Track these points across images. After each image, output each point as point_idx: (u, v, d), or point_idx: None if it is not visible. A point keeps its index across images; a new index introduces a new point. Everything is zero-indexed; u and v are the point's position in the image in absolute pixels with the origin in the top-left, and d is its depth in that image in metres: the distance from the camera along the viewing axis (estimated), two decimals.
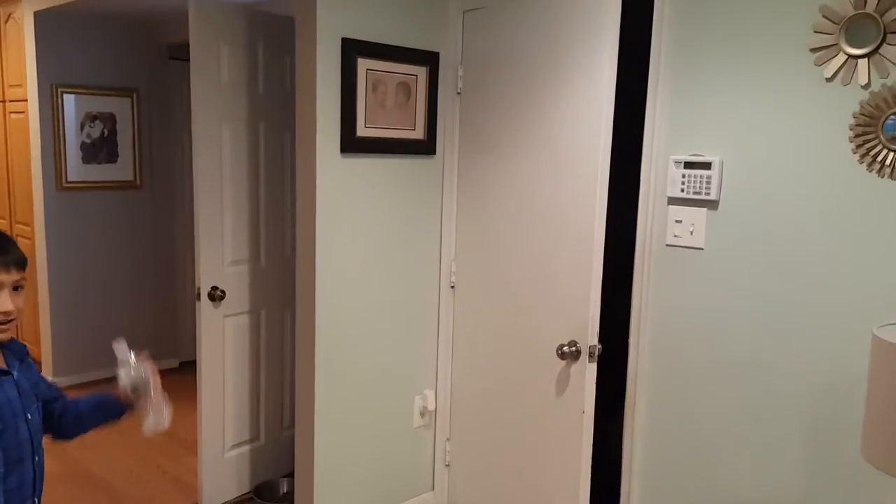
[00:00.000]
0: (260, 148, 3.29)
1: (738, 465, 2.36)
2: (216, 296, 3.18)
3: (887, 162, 2.00)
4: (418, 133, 3.00)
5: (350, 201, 2.86)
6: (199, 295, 3.15)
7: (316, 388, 2.88)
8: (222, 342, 3.26)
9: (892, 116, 1.98)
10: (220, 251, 3.19)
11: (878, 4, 1.99)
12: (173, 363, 5.28)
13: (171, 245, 5.17)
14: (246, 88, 3.19)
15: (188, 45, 3.03)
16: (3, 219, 5.23)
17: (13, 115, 4.91)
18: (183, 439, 4.03)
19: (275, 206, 3.39)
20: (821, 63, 2.11)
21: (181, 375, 5.12)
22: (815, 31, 2.11)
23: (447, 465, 3.32)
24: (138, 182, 4.95)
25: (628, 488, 2.65)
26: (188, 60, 3.05)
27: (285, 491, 3.44)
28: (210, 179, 3.11)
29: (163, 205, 5.10)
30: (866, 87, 2.03)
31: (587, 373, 2.56)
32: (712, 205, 2.34)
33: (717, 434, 2.40)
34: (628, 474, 2.64)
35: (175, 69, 4.92)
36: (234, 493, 3.41)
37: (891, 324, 1.72)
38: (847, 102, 2.07)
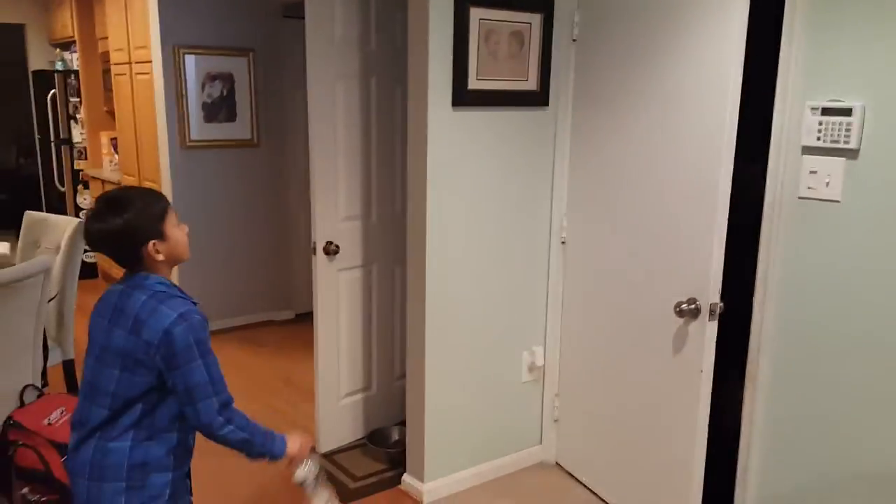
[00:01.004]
0: (371, 104, 3.30)
1: (868, 440, 2.20)
2: (331, 250, 3.25)
3: None
4: (531, 84, 2.93)
5: (460, 155, 2.83)
6: (315, 249, 3.23)
7: (426, 342, 2.91)
8: (336, 295, 3.34)
9: None
10: (335, 207, 3.25)
11: None
12: (289, 315, 5.49)
13: (286, 201, 5.34)
14: (358, 44, 3.19)
15: (302, 4, 3.05)
16: (132, 175, 5.55)
17: (139, 76, 5.16)
18: (300, 386, 4.21)
19: (386, 162, 3.41)
20: None
21: (297, 326, 5.34)
22: None
23: (556, 421, 3.30)
24: (255, 140, 5.11)
25: (746, 456, 2.54)
26: (302, 19, 3.08)
27: (396, 438, 3.54)
28: (325, 136, 3.16)
29: (278, 162, 5.26)
30: None
31: (707, 331, 2.46)
32: (852, 154, 2.16)
33: (847, 408, 2.24)
34: (747, 441, 2.53)
35: (289, 28, 5.00)
36: (348, 439, 3.53)
37: None
38: None
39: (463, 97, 2.75)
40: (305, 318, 5.19)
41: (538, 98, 2.96)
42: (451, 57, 2.69)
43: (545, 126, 3.03)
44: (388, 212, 3.47)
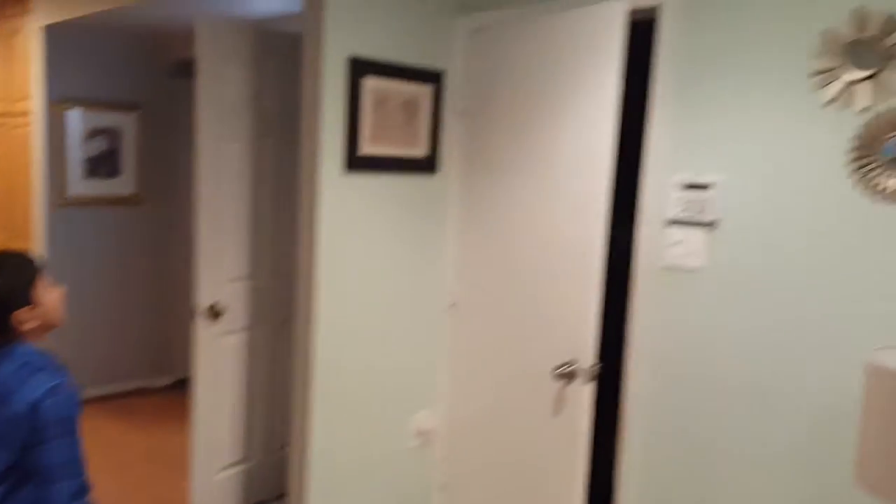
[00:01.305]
0: (263, 165, 3.31)
1: (735, 488, 2.34)
2: (214, 313, 3.17)
3: (885, 187, 2.02)
4: (422, 151, 3.02)
5: (352, 219, 2.87)
6: (197, 312, 3.14)
7: (312, 408, 2.86)
8: (218, 360, 3.24)
9: (891, 140, 2.00)
10: (220, 268, 3.19)
11: (880, 29, 2.02)
12: (168, 381, 5.25)
13: (170, 260, 5.17)
14: (251, 106, 3.21)
15: (194, 62, 3.06)
16: (2, 234, 5.23)
17: (17, 130, 4.93)
18: (174, 460, 3.99)
19: (276, 223, 3.40)
20: (820, 87, 2.14)
21: (175, 393, 5.10)
22: (816, 56, 2.14)
23: (444, 486, 3.29)
24: (139, 197, 4.96)
25: None
26: (194, 77, 3.08)
27: None
28: (212, 196, 3.12)
29: (163, 220, 5.11)
30: (865, 111, 2.06)
31: (584, 393, 2.55)
32: (710, 226, 2.36)
33: (713, 456, 2.38)
34: (624, 495, 2.62)
35: (180, 85, 4.95)
36: None
37: (887, 347, 1.72)
38: (845, 126, 2.09)
39: (355, 162, 2.81)
40: (185, 385, 4.97)
41: (429, 165, 3.06)
42: (343, 123, 2.75)
43: (436, 192, 3.12)
44: (277, 273, 3.44)
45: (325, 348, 2.85)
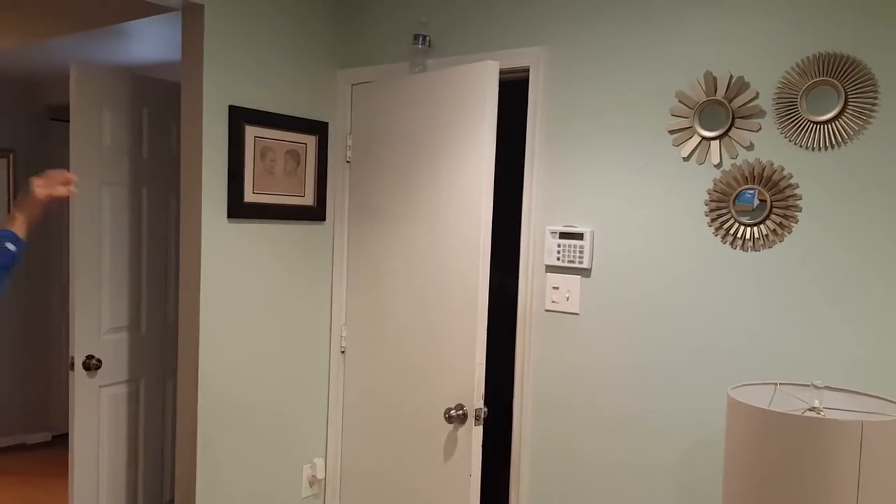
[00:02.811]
0: (143, 212, 3.21)
1: None
2: (91, 365, 3.03)
3: (739, 234, 2.19)
4: (308, 199, 3.03)
5: (237, 266, 2.83)
6: (72, 364, 3.00)
7: (198, 461, 2.77)
8: (97, 413, 3.09)
9: (743, 192, 2.18)
10: (97, 318, 3.07)
11: (726, 91, 2.20)
12: (46, 437, 4.94)
13: (45, 311, 4.90)
14: (129, 152, 3.13)
15: (69, 107, 2.96)
16: None
17: None
18: None
19: (158, 271, 3.30)
20: (678, 144, 2.30)
21: (53, 449, 4.81)
22: (673, 115, 2.31)
23: None
24: None
25: None
26: (69, 122, 2.97)
27: None
28: (87, 244, 3.00)
29: (38, 269, 4.85)
30: (718, 166, 2.23)
31: (473, 436, 2.60)
32: (585, 273, 2.47)
33: (596, 487, 2.47)
34: None
35: (55, 130, 4.76)
36: None
37: (745, 385, 1.86)
38: (702, 180, 2.26)
39: (239, 209, 2.78)
40: (64, 440, 4.70)
41: (315, 213, 3.06)
42: (226, 170, 2.73)
43: (323, 239, 3.13)
44: (159, 322, 3.33)
45: (210, 399, 2.78)
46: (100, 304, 3.07)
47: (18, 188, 4.69)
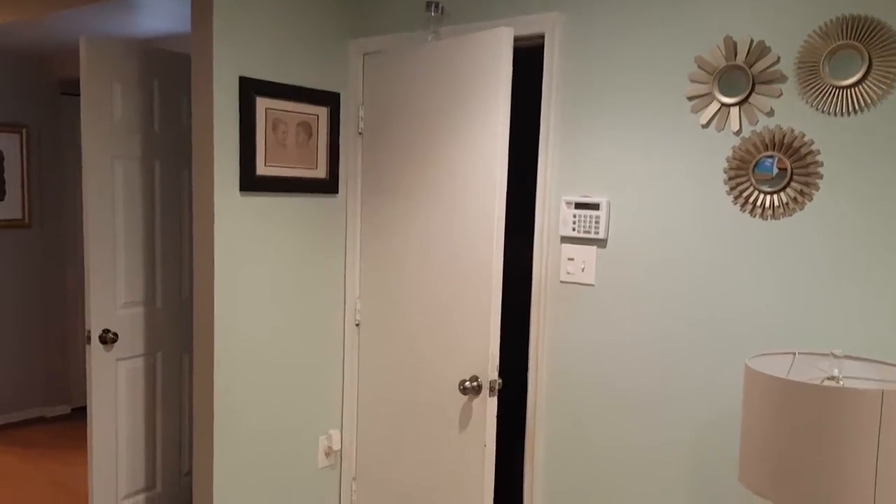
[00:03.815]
0: (156, 186, 3.21)
1: (632, 489, 2.43)
2: (108, 339, 3.05)
3: (758, 203, 2.15)
4: (320, 172, 3.01)
5: (250, 240, 2.82)
6: (89, 338, 3.02)
7: (215, 433, 2.80)
8: (114, 387, 3.12)
9: (762, 160, 2.13)
10: (113, 293, 3.08)
11: (746, 56, 2.15)
12: (65, 409, 5.01)
13: (62, 285, 4.94)
14: (140, 126, 3.12)
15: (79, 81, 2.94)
16: None
17: None
18: (74, 491, 3.82)
19: (172, 246, 3.30)
20: (696, 111, 2.26)
21: (73, 422, 4.87)
22: (692, 81, 2.26)
23: None
24: (27, 220, 4.72)
25: None
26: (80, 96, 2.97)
27: None
28: (101, 219, 3.01)
29: (54, 244, 4.88)
30: (738, 132, 2.18)
31: (488, 407, 2.60)
32: (601, 243, 2.45)
33: (612, 463, 2.47)
34: (530, 502, 2.69)
35: (68, 105, 4.75)
36: None
37: (763, 354, 1.84)
38: (721, 147, 2.22)
39: (251, 183, 2.77)
40: (83, 413, 4.76)
41: (328, 186, 3.04)
42: (237, 143, 2.71)
43: (336, 212, 3.11)
44: (175, 296, 3.34)
45: (226, 371, 2.80)
46: (114, 279, 3.08)
47: (31, 163, 4.70)
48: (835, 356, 1.71)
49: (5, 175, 4.57)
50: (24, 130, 4.63)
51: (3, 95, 4.55)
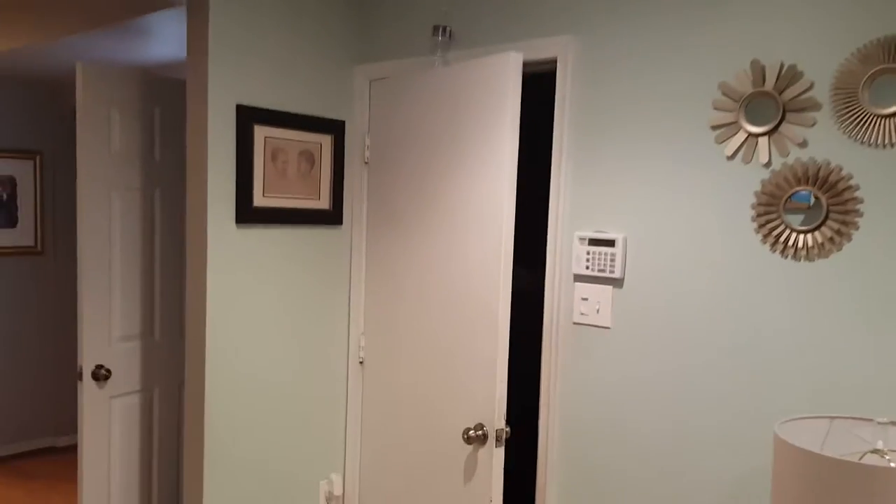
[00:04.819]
0: (156, 216, 3.10)
1: None
2: (101, 375, 2.93)
3: (790, 242, 1.94)
4: (323, 203, 2.87)
5: (246, 274, 2.68)
6: (81, 375, 2.90)
7: (205, 475, 2.64)
8: (107, 427, 2.99)
9: (796, 194, 1.93)
10: (107, 327, 2.96)
11: (776, 82, 1.95)
12: (72, 440, 4.91)
13: (74, 313, 4.87)
14: (140, 155, 3.02)
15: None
16: None
17: None
18: None
19: (172, 278, 3.18)
20: (721, 141, 2.06)
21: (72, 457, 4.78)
22: (716, 109, 2.07)
23: None
24: (40, 248, 4.67)
25: None
26: None
27: None
28: (96, 250, 2.90)
29: (67, 271, 4.82)
30: (767, 165, 1.98)
31: (494, 458, 2.40)
32: (617, 283, 2.25)
33: None
34: None
35: None
36: None
37: (794, 419, 1.62)
38: (749, 181, 2.01)
39: (248, 214, 2.64)
40: None
41: (331, 217, 2.90)
42: (234, 173, 2.59)
43: (340, 245, 2.97)
44: (174, 330, 3.22)
45: (218, 409, 2.65)
46: (109, 313, 2.97)
47: (45, 190, 4.66)
48: (878, 423, 1.49)
49: (18, 202, 4.53)
50: (37, 157, 4.59)
51: (17, 122, 4.53)
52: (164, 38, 3.38)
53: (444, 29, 2.63)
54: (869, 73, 1.81)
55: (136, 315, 3.06)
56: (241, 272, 2.67)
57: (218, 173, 2.55)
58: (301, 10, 2.74)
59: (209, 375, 2.61)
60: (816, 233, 1.90)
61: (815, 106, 1.90)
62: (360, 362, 3.02)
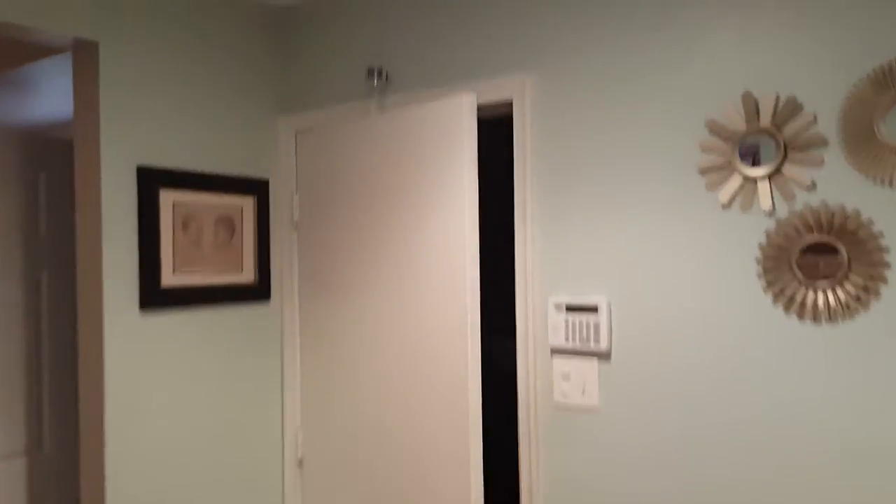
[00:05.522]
0: (42, 305, 2.59)
1: None
2: None
3: (807, 302, 1.66)
4: (247, 276, 2.45)
5: (155, 370, 2.23)
6: None
7: None
8: None
9: (805, 243, 1.65)
10: None
11: (773, 117, 1.70)
12: None
13: None
14: (21, 230, 2.53)
15: None
16: None
17: None
18: None
19: (65, 377, 2.66)
20: (714, 187, 1.78)
21: None
22: (703, 150, 1.80)
23: None
24: None
25: None
26: None
27: None
28: None
29: None
30: (771, 213, 1.71)
31: None
32: (604, 356, 1.91)
33: None
34: None
35: None
36: None
37: None
38: (750, 232, 1.73)
39: (155, 297, 2.20)
40: None
41: (257, 291, 2.49)
42: (136, 248, 2.15)
43: (269, 324, 2.55)
44: (70, 439, 2.68)
45: None
46: None
47: None
48: None
49: None
50: None
51: None
52: (50, 92, 2.94)
53: (380, 72, 2.30)
54: (884, 102, 1.57)
55: (18, 426, 2.52)
56: (148, 368, 2.21)
57: (116, 249, 2.11)
58: (212, 53, 2.36)
59: (109, 497, 2.12)
60: (838, 290, 1.62)
61: (822, 142, 1.65)
62: (299, 462, 2.57)
